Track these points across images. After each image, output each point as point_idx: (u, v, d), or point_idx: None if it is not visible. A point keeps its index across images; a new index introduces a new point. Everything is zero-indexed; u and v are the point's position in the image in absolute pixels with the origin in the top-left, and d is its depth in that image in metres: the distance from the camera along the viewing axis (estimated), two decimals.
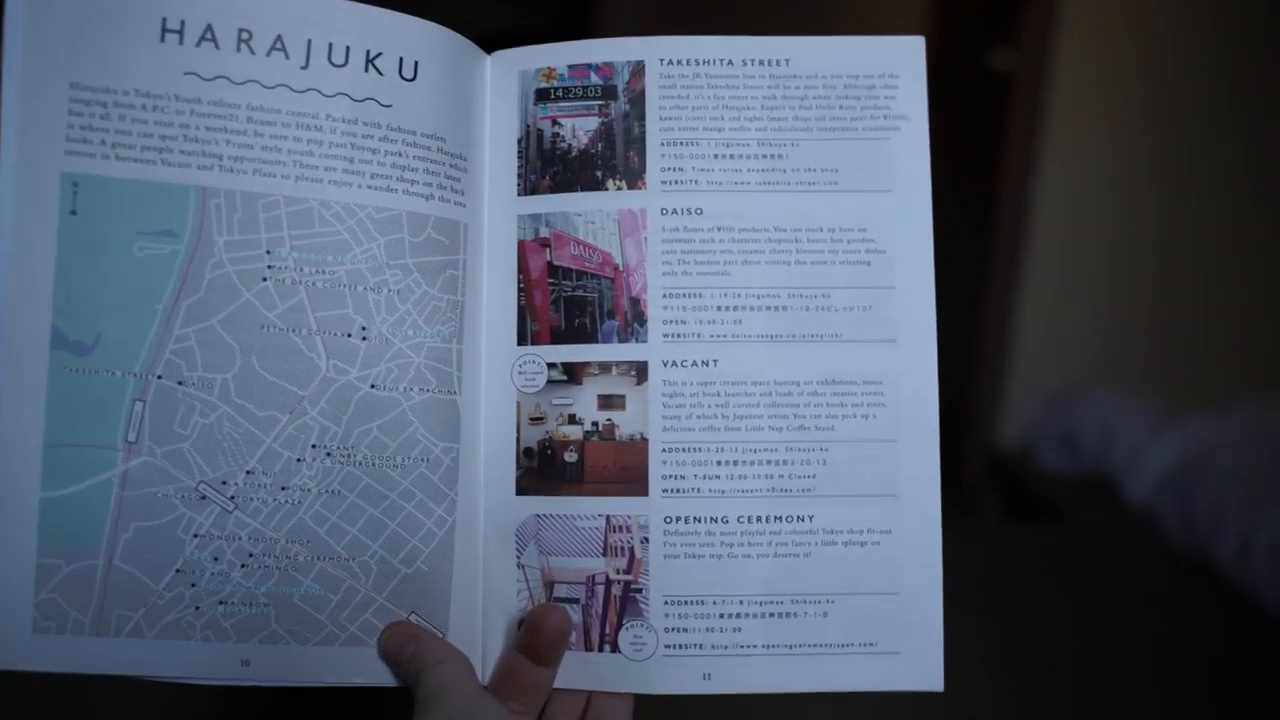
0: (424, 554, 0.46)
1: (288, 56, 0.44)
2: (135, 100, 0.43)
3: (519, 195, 0.49)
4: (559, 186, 0.48)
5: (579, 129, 0.49)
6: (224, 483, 0.44)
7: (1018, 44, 2.09)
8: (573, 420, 0.48)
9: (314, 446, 0.45)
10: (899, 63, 0.50)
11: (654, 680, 0.47)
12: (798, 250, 0.48)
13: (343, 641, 0.45)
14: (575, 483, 0.48)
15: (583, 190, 0.48)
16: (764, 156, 0.49)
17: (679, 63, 0.49)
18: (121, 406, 0.43)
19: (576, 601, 0.47)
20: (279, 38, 0.44)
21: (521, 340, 0.48)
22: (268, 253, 0.44)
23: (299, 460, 0.45)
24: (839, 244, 0.49)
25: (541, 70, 0.49)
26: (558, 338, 0.48)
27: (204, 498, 0.44)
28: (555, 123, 0.48)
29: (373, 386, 0.46)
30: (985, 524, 2.04)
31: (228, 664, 0.45)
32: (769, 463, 0.48)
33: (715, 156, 0.49)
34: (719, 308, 0.48)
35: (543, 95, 0.49)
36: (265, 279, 0.44)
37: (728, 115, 0.49)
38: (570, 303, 0.48)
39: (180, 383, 0.43)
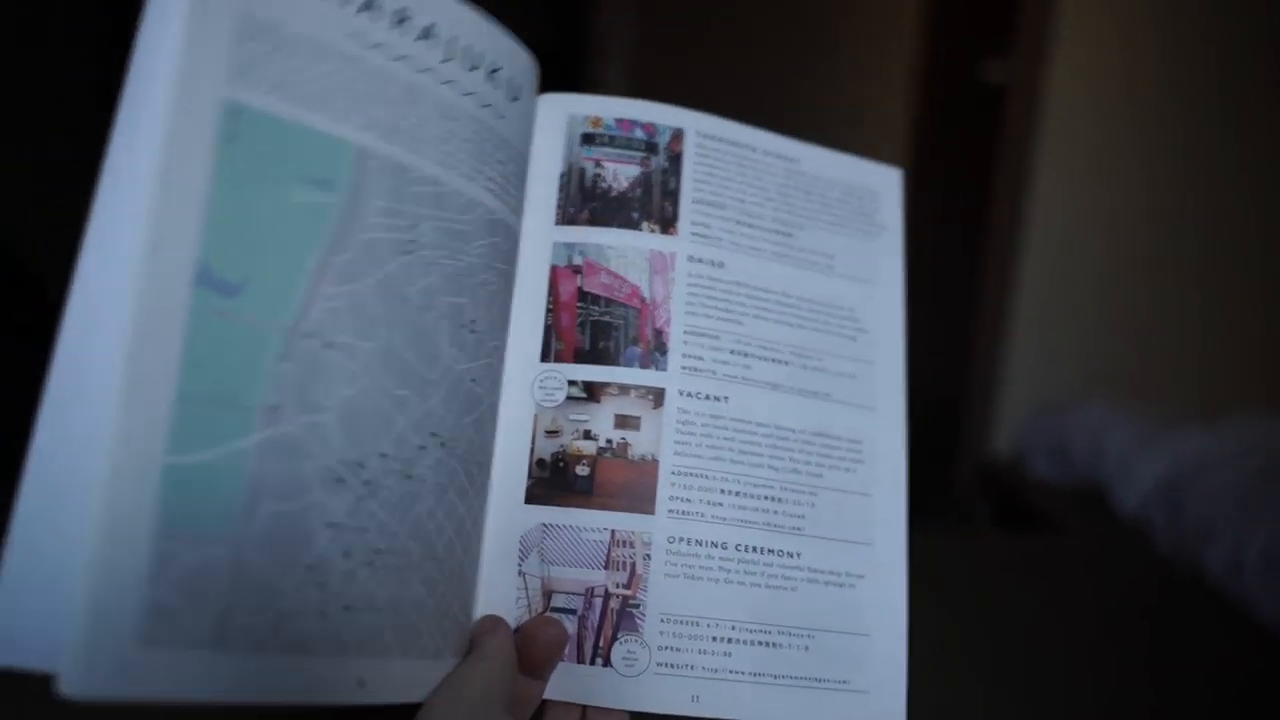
0: (472, 550, 0.46)
1: (431, 45, 0.44)
2: (303, 44, 0.40)
3: (556, 224, 0.52)
4: (596, 221, 0.52)
5: (620, 174, 0.53)
6: (360, 465, 0.39)
7: (1011, 56, 2.03)
8: (588, 436, 0.50)
9: (434, 434, 0.42)
10: (879, 185, 0.59)
11: (644, 697, 0.48)
12: (799, 316, 0.54)
13: (450, 652, 0.42)
14: (584, 495, 0.49)
15: (619, 227, 0.52)
16: (777, 232, 0.55)
17: (713, 138, 0.55)
18: (265, 363, 0.37)
19: (573, 613, 0.48)
20: (430, 27, 0.44)
21: (545, 358, 0.50)
22: (412, 226, 0.42)
23: (422, 448, 0.42)
24: (832, 318, 0.55)
25: (589, 117, 0.53)
26: (581, 357, 0.50)
27: (341, 480, 0.39)
28: (598, 164, 0.53)
29: (473, 381, 0.45)
30: (977, 533, 1.96)
31: (345, 683, 0.38)
32: (766, 498, 0.51)
33: (738, 222, 0.54)
34: (732, 351, 0.52)
35: (588, 139, 0.53)
36: (410, 252, 0.42)
37: (749, 191, 0.55)
38: (596, 326, 0.51)
39: (329, 345, 0.39)
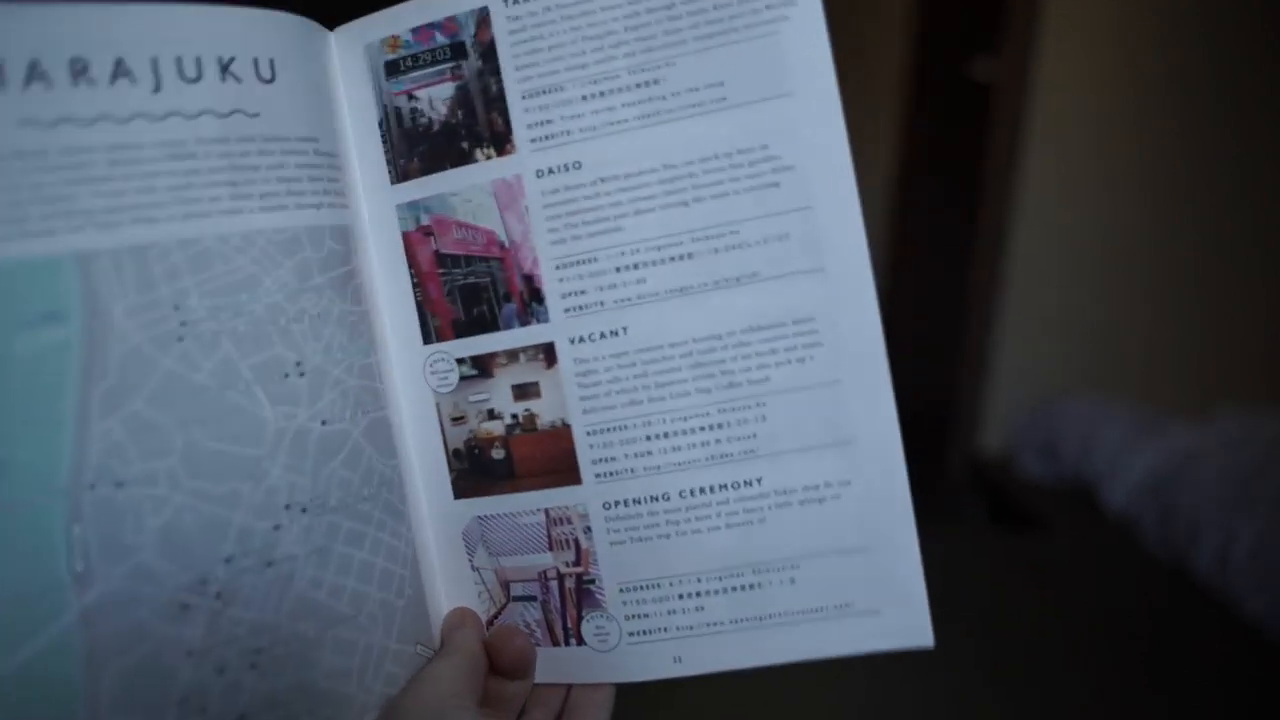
0: (407, 579, 0.44)
1: (134, 81, 0.38)
2: None
3: (392, 184, 0.45)
4: (428, 167, 0.45)
5: (435, 99, 0.44)
6: (203, 581, 0.38)
7: (999, 54, 2.02)
8: (492, 415, 0.45)
9: (288, 507, 0.40)
10: None
11: (624, 669, 0.46)
12: (694, 186, 0.43)
13: (376, 703, 0.42)
14: (508, 479, 0.46)
15: (452, 167, 0.44)
16: (638, 86, 0.43)
17: None
18: (55, 534, 0.35)
19: (534, 599, 0.46)
20: (119, 61, 0.37)
21: (426, 339, 0.46)
22: (176, 308, 0.38)
23: (277, 528, 0.40)
24: (739, 169, 0.42)
25: (385, 40, 0.45)
26: (460, 330, 0.45)
27: (186, 606, 0.37)
28: (411, 96, 0.45)
29: (324, 423, 0.42)
30: (966, 530, 1.99)
31: None
32: (702, 429, 0.44)
33: (584, 98, 0.43)
34: (618, 269, 0.44)
35: (392, 68, 0.45)
36: (182, 338, 0.38)
37: (589, 48, 0.43)
38: (465, 291, 0.45)
39: (119, 484, 0.36)
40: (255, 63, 0.41)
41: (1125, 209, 2.12)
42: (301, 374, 0.41)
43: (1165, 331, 2.17)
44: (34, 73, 0.35)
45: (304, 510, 0.40)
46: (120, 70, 0.37)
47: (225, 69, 0.40)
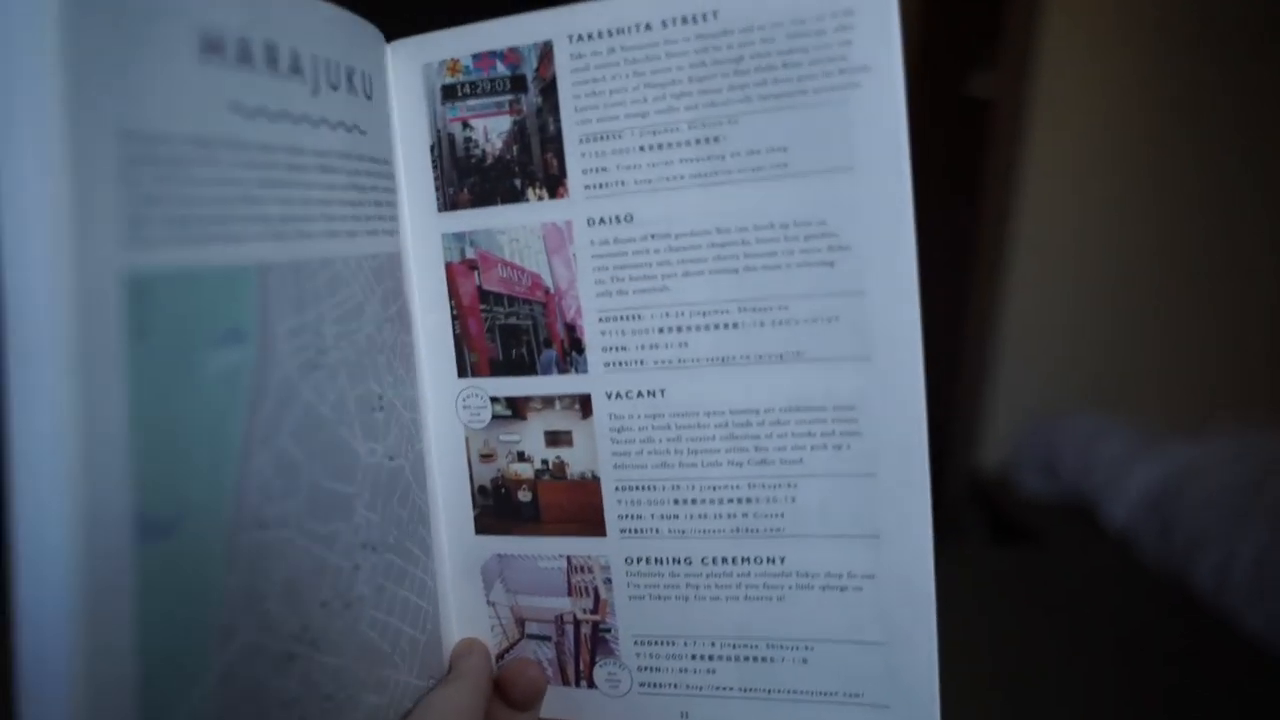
0: (430, 614, 0.43)
1: (304, 80, 0.34)
2: (191, 151, 0.29)
3: (439, 211, 0.43)
4: (479, 200, 0.43)
5: (491, 131, 0.43)
6: (305, 628, 0.35)
7: (996, 70, 1.78)
8: (522, 458, 0.45)
9: (363, 546, 0.38)
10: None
11: (632, 715, 0.46)
12: (746, 255, 0.41)
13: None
14: (533, 522, 0.45)
15: (502, 203, 0.43)
16: (698, 142, 0.40)
17: (590, 37, 0.41)
18: (212, 588, 0.31)
19: (549, 639, 0.46)
20: (295, 54, 0.34)
21: (462, 372, 0.44)
22: (316, 334, 0.35)
23: (357, 568, 0.38)
24: (794, 242, 0.40)
25: (445, 63, 0.42)
26: (497, 369, 0.44)
27: (291, 656, 0.35)
28: (466, 125, 0.43)
29: (390, 459, 0.40)
30: (966, 547, 1.80)
31: None
32: (731, 500, 0.43)
33: (641, 149, 0.41)
34: (661, 329, 0.42)
35: (449, 93, 0.42)
36: (317, 367, 0.35)
37: (651, 95, 0.40)
38: (505, 331, 0.44)
39: (263, 527, 0.33)
40: (365, 77, 0.39)
41: (1124, 226, 2.07)
42: (381, 408, 0.39)
43: (1164, 347, 2.11)
44: (244, 51, 0.31)
45: (374, 550, 0.39)
46: (295, 65, 0.34)
47: (349, 79, 0.37)
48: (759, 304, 0.41)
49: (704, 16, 0.39)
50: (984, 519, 2.00)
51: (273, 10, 0.33)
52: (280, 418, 0.33)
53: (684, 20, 0.39)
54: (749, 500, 0.43)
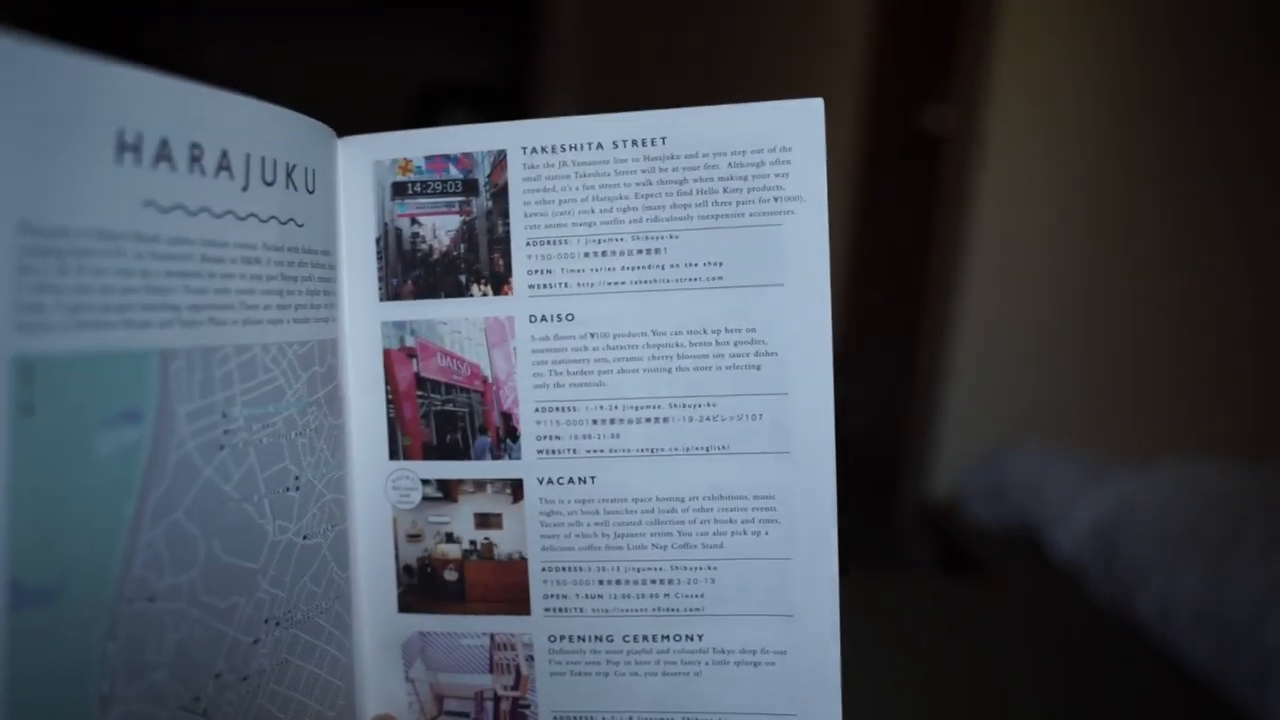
0: (341, 690, 0.44)
1: (232, 176, 0.36)
2: (95, 244, 0.31)
3: (380, 300, 0.45)
4: (422, 292, 0.45)
5: (439, 229, 0.45)
6: (196, 699, 0.36)
7: (948, 105, 1.87)
8: (450, 539, 0.46)
9: (266, 621, 0.39)
10: (791, 132, 0.42)
11: None
12: (679, 356, 0.44)
13: None
14: (458, 601, 0.46)
15: (446, 296, 0.45)
16: (640, 252, 0.44)
17: (543, 150, 0.44)
18: (93, 656, 0.32)
19: (467, 715, 0.47)
20: (225, 153, 0.36)
21: (394, 455, 0.45)
22: (224, 415, 0.37)
23: (256, 641, 0.39)
24: (725, 347, 0.44)
25: (397, 161, 0.44)
26: (430, 453, 0.45)
27: None
28: (414, 221, 0.45)
29: (305, 538, 0.41)
30: (914, 575, 1.83)
31: None
32: (654, 581, 0.45)
33: (586, 255, 0.44)
34: (594, 421, 0.45)
35: (399, 190, 0.44)
36: (222, 447, 0.37)
37: (598, 208, 0.44)
38: (441, 417, 0.46)
39: (150, 599, 0.34)
40: (307, 172, 0.41)
41: (1075, 259, 2.12)
42: (298, 488, 0.41)
43: (1114, 378, 2.15)
44: (163, 151, 0.33)
45: (278, 624, 0.40)
46: (224, 162, 0.36)
47: (289, 175, 0.39)
48: (689, 401, 0.44)
49: (653, 141, 0.43)
50: (933, 548, 2.03)
51: (206, 113, 0.35)
52: (177, 495, 0.34)
53: (634, 143, 0.43)
54: (671, 581, 0.45)
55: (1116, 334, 2.15)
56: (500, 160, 0.44)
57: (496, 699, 0.47)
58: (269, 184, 0.38)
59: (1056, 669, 1.34)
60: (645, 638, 0.46)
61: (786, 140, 0.42)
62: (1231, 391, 2.13)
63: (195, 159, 0.34)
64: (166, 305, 0.34)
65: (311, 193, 0.41)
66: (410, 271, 0.45)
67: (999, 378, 2.17)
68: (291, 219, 0.39)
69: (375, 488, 0.46)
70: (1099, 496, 1.71)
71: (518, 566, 0.46)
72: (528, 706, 0.47)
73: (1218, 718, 1.25)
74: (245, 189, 0.37)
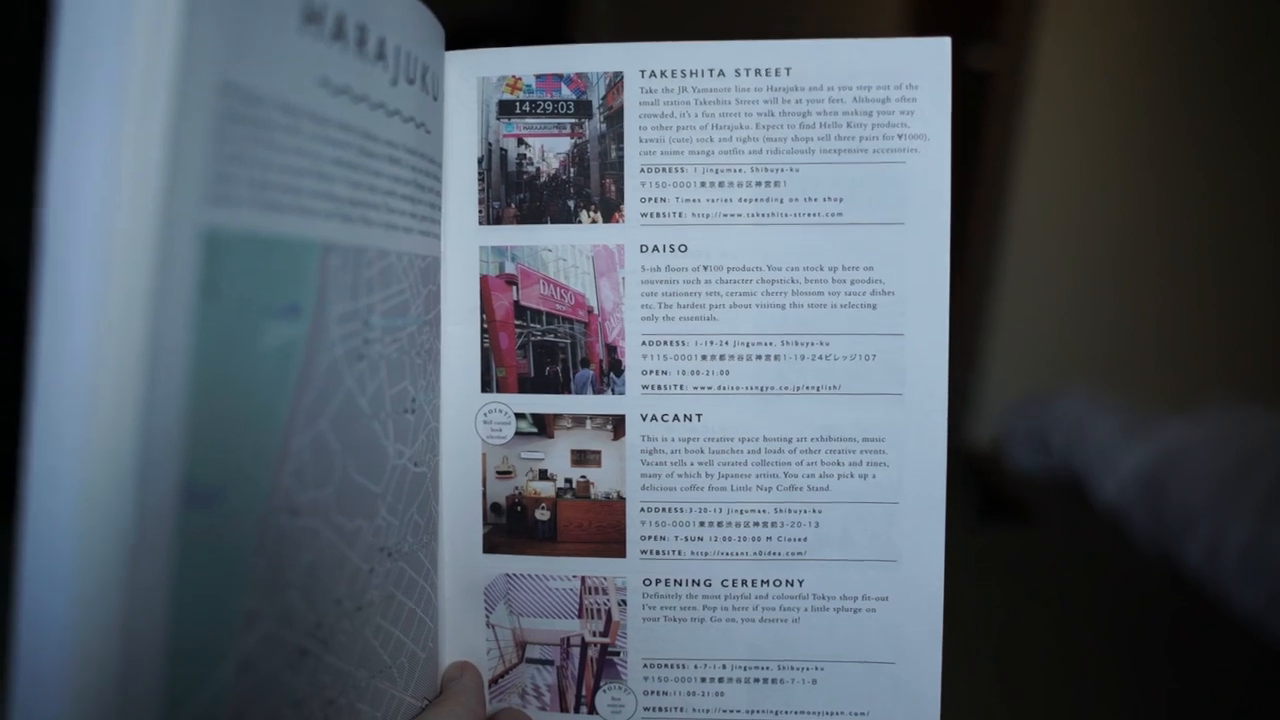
0: (431, 632, 0.42)
1: (386, 67, 0.34)
2: (279, 118, 0.29)
3: (480, 224, 0.42)
4: (526, 217, 0.43)
5: (548, 151, 0.42)
6: (319, 624, 0.34)
7: (995, 42, 1.76)
8: (544, 476, 0.44)
9: (380, 550, 0.37)
10: (919, 70, 0.42)
11: None
12: (794, 292, 0.43)
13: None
14: (548, 542, 0.44)
15: (553, 222, 0.43)
16: (758, 184, 0.42)
17: (663, 74, 0.42)
18: (240, 570, 0.30)
19: (551, 663, 0.45)
20: (383, 41, 0.33)
21: (486, 387, 0.43)
22: (365, 324, 0.34)
23: (371, 571, 0.36)
24: (841, 284, 0.43)
25: (505, 79, 0.42)
26: (526, 386, 0.43)
27: (304, 652, 0.33)
28: (521, 142, 0.42)
29: (415, 465, 0.39)
30: (955, 523, 1.62)
31: None
32: (756, 524, 0.44)
33: (703, 185, 0.42)
34: (704, 356, 0.43)
35: (506, 108, 0.42)
36: (362, 357, 0.34)
37: (717, 136, 0.42)
38: (540, 348, 0.43)
39: (293, 513, 0.32)
40: (434, 77, 0.38)
41: (1122, 203, 2.05)
42: (413, 411, 0.38)
43: (1159, 325, 2.08)
44: (340, 28, 0.31)
45: (390, 555, 0.37)
46: (381, 51, 0.34)
47: (424, 77, 0.37)
48: (801, 339, 0.43)
49: (777, 71, 0.42)
50: (974, 495, 2.00)
51: None
52: (323, 403, 0.32)
53: (758, 72, 0.42)
54: (774, 524, 0.44)
55: (1164, 278, 2.10)
56: (617, 82, 0.42)
57: (584, 644, 0.45)
58: (410, 82, 0.36)
59: (1099, 616, 1.34)
60: (744, 582, 0.44)
61: (913, 78, 0.42)
62: (1275, 337, 2.09)
63: (361, 41, 0.32)
64: (330, 195, 0.31)
65: (435, 100, 0.39)
66: (514, 195, 0.43)
67: (1043, 323, 2.12)
68: (424, 124, 0.37)
69: (465, 421, 0.44)
70: (1144, 443, 1.64)
71: (615, 506, 0.44)
72: (617, 653, 0.45)
73: (1266, 662, 1.24)
74: (394, 83, 0.34)
